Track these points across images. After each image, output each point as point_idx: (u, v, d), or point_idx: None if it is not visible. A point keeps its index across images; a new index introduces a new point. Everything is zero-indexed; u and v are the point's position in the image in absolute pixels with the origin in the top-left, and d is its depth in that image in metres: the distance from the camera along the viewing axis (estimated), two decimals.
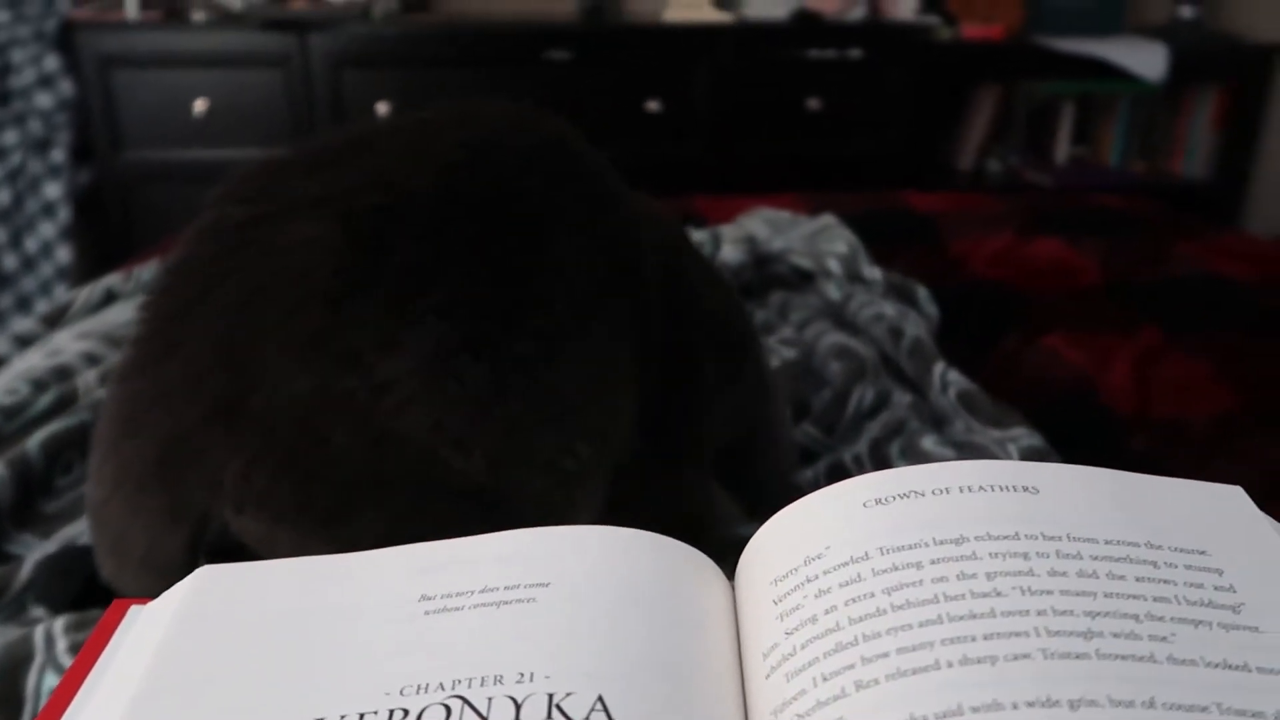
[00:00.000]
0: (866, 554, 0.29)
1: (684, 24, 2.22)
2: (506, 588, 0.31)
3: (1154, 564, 0.28)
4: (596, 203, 0.53)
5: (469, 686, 0.28)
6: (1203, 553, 0.29)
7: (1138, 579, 0.27)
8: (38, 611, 0.57)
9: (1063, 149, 2.49)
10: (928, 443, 0.75)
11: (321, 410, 0.42)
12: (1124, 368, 0.97)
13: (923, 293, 1.08)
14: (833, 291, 1.07)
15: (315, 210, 0.45)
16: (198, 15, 2.07)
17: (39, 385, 0.82)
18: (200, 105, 2.03)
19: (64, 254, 2.03)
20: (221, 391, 0.42)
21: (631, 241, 0.55)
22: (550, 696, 0.27)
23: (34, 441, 0.72)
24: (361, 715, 0.27)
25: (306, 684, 0.29)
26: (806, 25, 2.22)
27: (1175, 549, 0.29)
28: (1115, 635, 0.25)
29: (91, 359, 0.88)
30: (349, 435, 0.42)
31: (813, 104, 2.23)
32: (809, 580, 0.29)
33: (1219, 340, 1.03)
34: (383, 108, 2.08)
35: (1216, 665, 0.25)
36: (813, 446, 0.80)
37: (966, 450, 0.75)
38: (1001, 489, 0.30)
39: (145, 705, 0.28)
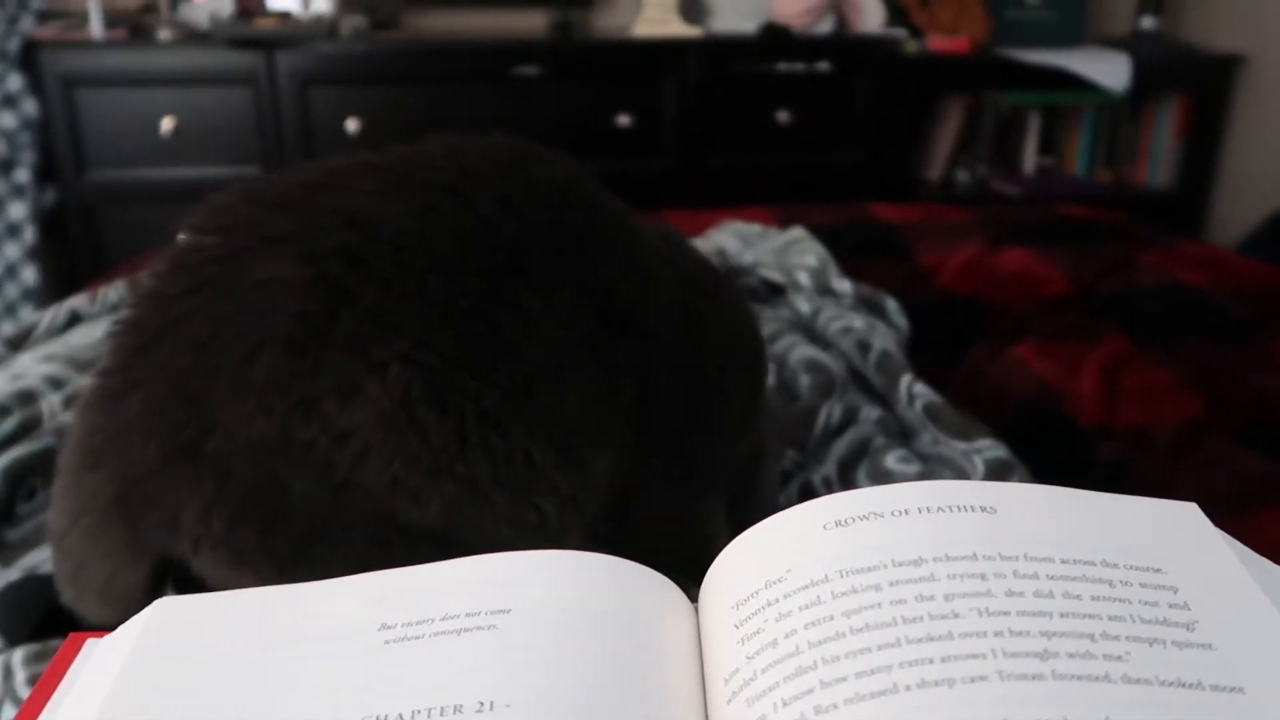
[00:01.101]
0: (826, 576, 0.29)
1: (653, 38, 2.23)
2: (468, 614, 0.31)
3: (1109, 583, 0.28)
4: (590, 247, 0.52)
5: (428, 717, 0.27)
6: (1158, 570, 0.29)
7: (1093, 598, 0.27)
8: None
9: (1030, 159, 2.52)
10: (891, 460, 0.76)
11: (280, 455, 0.42)
12: (1091, 377, 0.98)
13: (892, 304, 1.08)
14: (803, 304, 1.08)
15: (280, 248, 0.44)
16: (163, 34, 2.05)
17: (2, 409, 0.81)
18: (167, 124, 2.02)
19: (30, 275, 2.00)
20: (179, 431, 0.42)
21: (632, 287, 0.53)
22: None
23: None
24: None
25: (264, 716, 0.28)
26: (775, 39, 2.24)
27: (1131, 567, 0.29)
28: (1071, 655, 0.25)
29: (55, 382, 0.87)
30: (308, 482, 0.42)
31: (782, 117, 2.24)
32: (770, 604, 0.29)
33: (1185, 348, 1.04)
34: (351, 125, 2.07)
35: (1171, 684, 0.25)
36: (786, 466, 0.80)
37: (933, 463, 0.75)
38: (960, 509, 0.31)
39: None
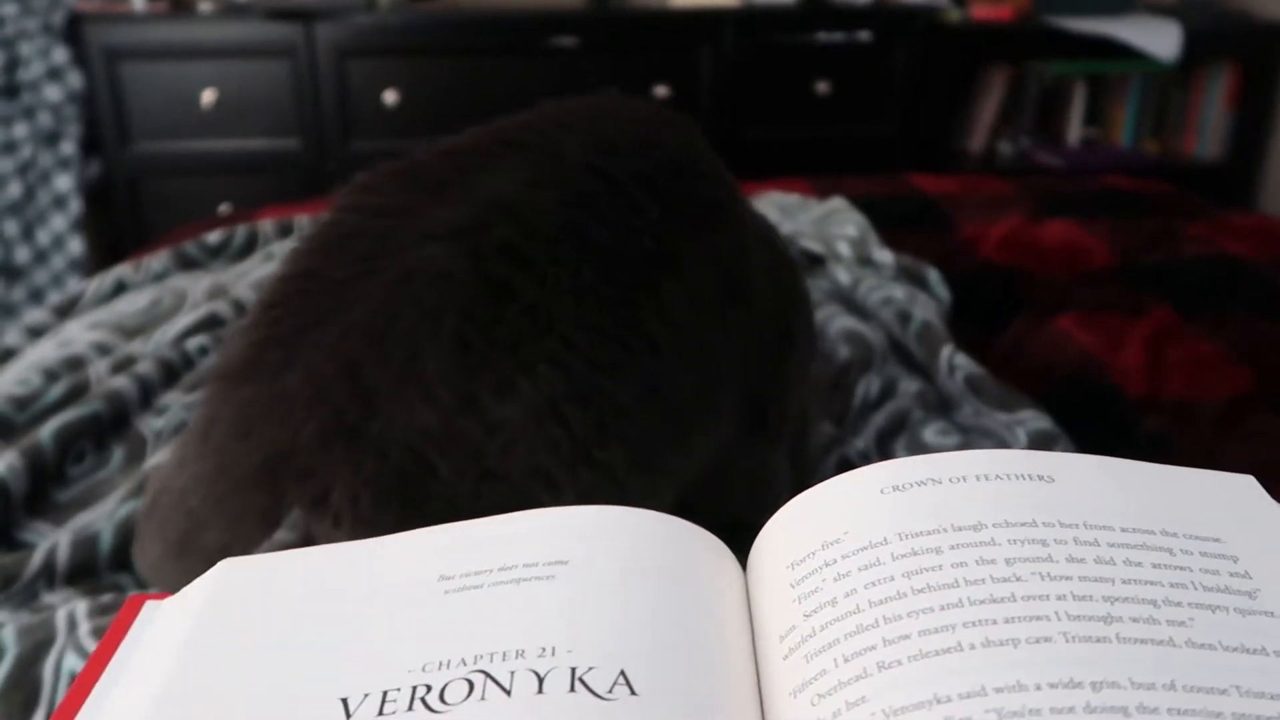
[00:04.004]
0: (885, 539, 0.29)
1: (691, 8, 2.21)
2: (525, 565, 0.31)
3: (1169, 551, 0.28)
4: (711, 223, 0.53)
5: (490, 661, 0.28)
6: (1217, 540, 0.29)
7: (1154, 565, 0.27)
8: (50, 598, 0.58)
9: (1074, 130, 2.47)
10: (930, 433, 0.75)
11: (436, 444, 0.43)
12: (1136, 349, 0.96)
13: (933, 275, 1.07)
14: (842, 275, 1.07)
15: (447, 242, 0.45)
16: (204, 6, 2.07)
17: (51, 375, 0.82)
18: (208, 97, 2.04)
19: (75, 246, 2.04)
20: (343, 412, 0.43)
21: (741, 258, 0.55)
22: (573, 670, 0.27)
23: (46, 431, 0.72)
24: (385, 693, 0.27)
25: (330, 667, 0.29)
26: (814, 8, 2.21)
27: (1190, 536, 0.29)
28: (1134, 620, 0.25)
29: (102, 349, 0.89)
30: (455, 470, 0.43)
31: (821, 88, 2.21)
32: (827, 564, 0.29)
33: (1232, 321, 1.02)
34: (390, 97, 2.08)
35: (1234, 649, 0.25)
36: (823, 440, 0.80)
37: (974, 434, 0.74)
38: (1017, 477, 0.31)
39: (173, 695, 0.29)
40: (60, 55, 1.98)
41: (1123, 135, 2.50)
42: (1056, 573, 0.27)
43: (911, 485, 0.31)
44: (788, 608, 0.29)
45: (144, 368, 0.83)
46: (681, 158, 0.53)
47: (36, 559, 0.60)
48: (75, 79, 1.99)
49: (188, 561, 0.47)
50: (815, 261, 1.14)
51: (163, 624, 0.33)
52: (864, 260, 1.11)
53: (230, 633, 0.31)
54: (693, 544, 0.33)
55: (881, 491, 0.31)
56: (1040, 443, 0.69)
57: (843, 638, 0.26)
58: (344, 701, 0.27)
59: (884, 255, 1.10)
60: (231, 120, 2.06)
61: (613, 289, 0.47)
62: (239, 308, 0.98)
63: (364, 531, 0.43)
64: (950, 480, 0.31)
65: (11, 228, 2.00)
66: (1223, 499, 0.31)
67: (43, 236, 2.03)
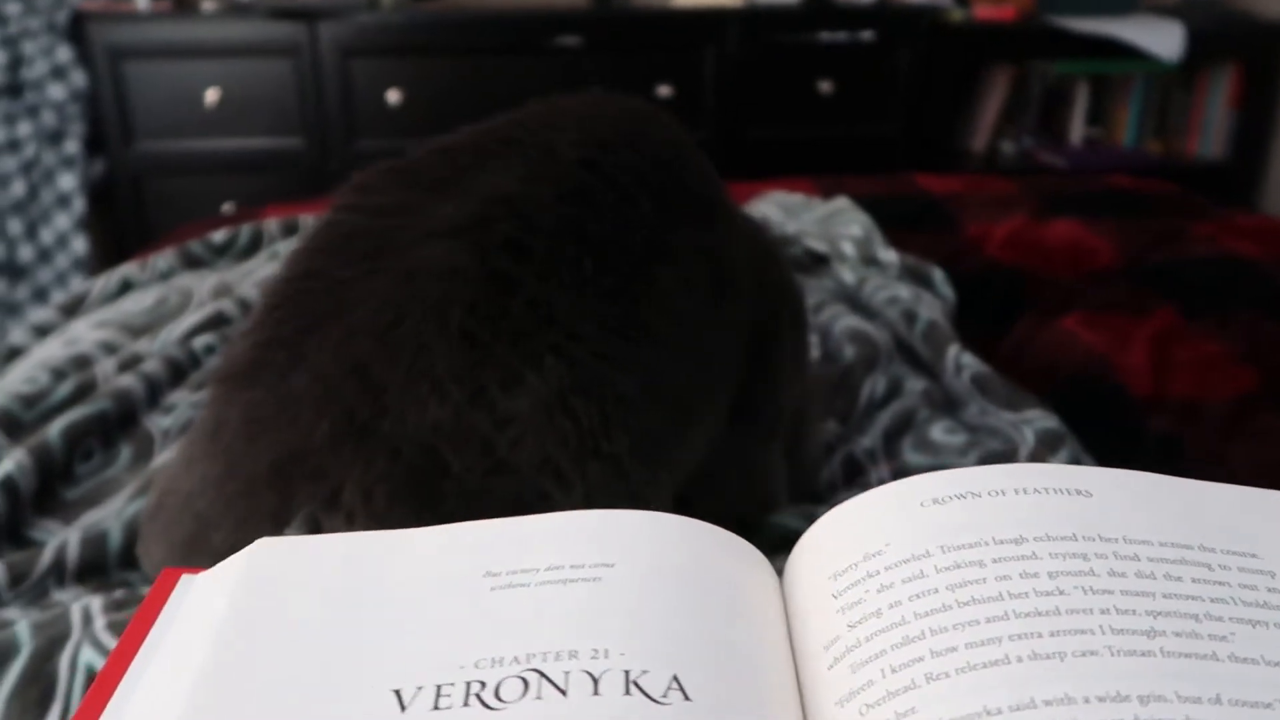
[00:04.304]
0: (928, 552, 0.29)
1: (694, 8, 2.21)
2: (572, 566, 0.31)
3: (1209, 566, 0.28)
4: (699, 216, 0.54)
5: (544, 661, 0.27)
6: (1254, 555, 0.29)
7: (1194, 580, 0.28)
8: (61, 595, 0.58)
9: (1077, 130, 2.47)
10: (937, 431, 0.75)
11: (447, 439, 0.43)
12: (1141, 349, 0.96)
13: (938, 275, 1.07)
14: (847, 274, 1.07)
15: (450, 238, 0.46)
16: (207, 5, 2.07)
17: (58, 374, 0.82)
18: (211, 96, 2.04)
19: (79, 245, 2.04)
20: (353, 411, 0.43)
21: (729, 251, 0.55)
22: (627, 674, 0.27)
23: (54, 429, 0.72)
24: (439, 688, 0.27)
25: (379, 656, 0.29)
26: (817, 8, 2.21)
27: (1227, 552, 0.29)
28: (1177, 634, 0.26)
29: (109, 348, 0.89)
30: (467, 464, 0.44)
31: (824, 87, 2.21)
32: (870, 575, 0.29)
33: (1236, 321, 1.02)
34: (393, 96, 2.08)
35: (1276, 664, 0.25)
36: (827, 439, 0.80)
37: (980, 433, 0.74)
38: (1056, 492, 0.31)
39: (215, 677, 0.28)
40: (64, 54, 1.98)
41: (1125, 135, 2.50)
42: (1099, 586, 0.27)
43: (951, 498, 0.31)
44: (831, 618, 0.29)
45: (151, 366, 0.83)
46: (668, 153, 0.54)
47: (46, 556, 0.60)
48: (79, 78, 1.99)
49: (195, 562, 0.47)
50: (820, 261, 1.14)
51: (199, 599, 0.32)
52: (869, 260, 1.11)
53: (269, 612, 0.31)
54: (733, 552, 0.33)
55: (922, 504, 0.31)
56: (1048, 442, 0.69)
57: (889, 649, 0.27)
58: (397, 694, 0.27)
59: (889, 255, 1.10)
60: (235, 119, 2.07)
61: (611, 280, 0.47)
62: (244, 306, 0.98)
63: (377, 528, 0.43)
64: (989, 494, 0.31)
65: (15, 226, 2.01)
66: (1258, 514, 0.31)
67: (46, 235, 2.03)
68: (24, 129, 1.98)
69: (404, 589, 0.31)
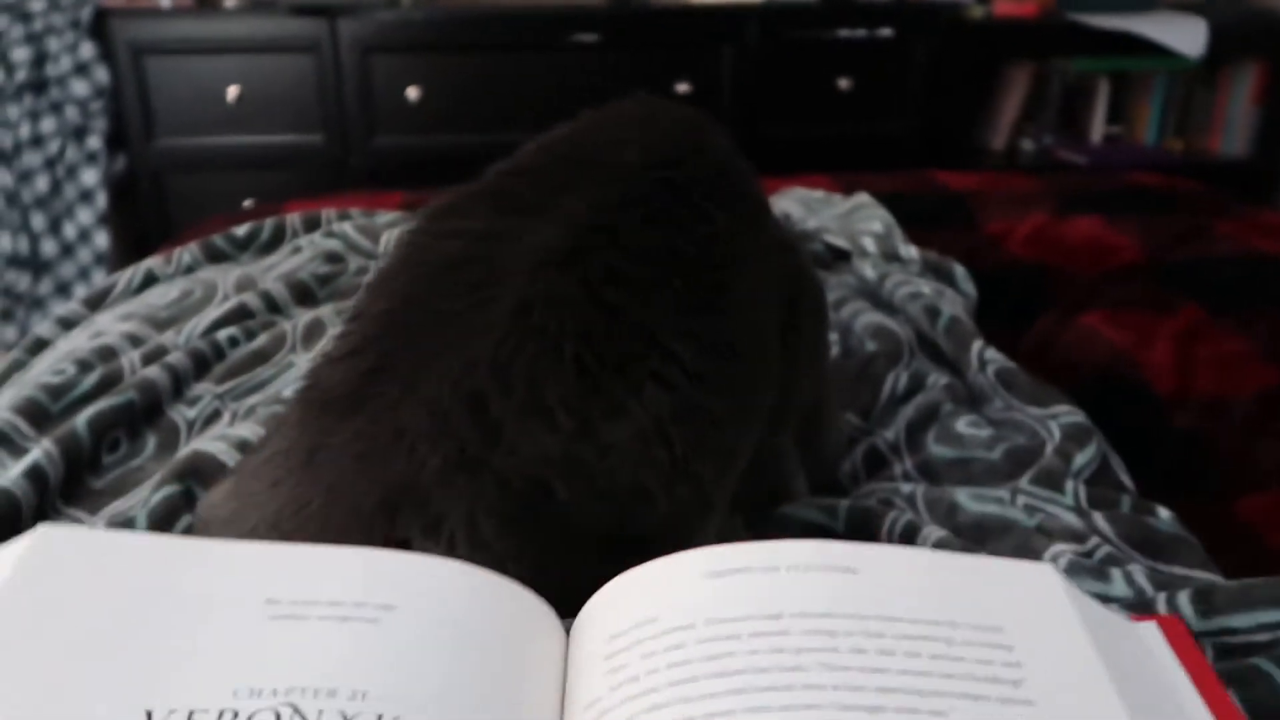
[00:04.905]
0: (693, 624, 0.32)
1: (712, 5, 2.21)
2: (355, 604, 0.32)
3: (949, 642, 0.31)
4: (758, 223, 0.56)
5: (301, 696, 0.28)
6: (998, 629, 0.32)
7: (932, 656, 0.30)
8: None
9: (1097, 128, 2.46)
10: (962, 424, 0.75)
11: (555, 469, 0.44)
12: (1165, 346, 0.96)
13: (960, 271, 1.07)
14: (868, 270, 1.06)
15: (556, 270, 0.46)
16: (229, 2, 2.08)
17: (84, 365, 0.83)
18: (232, 92, 2.05)
19: (101, 240, 2.05)
20: (465, 445, 0.43)
21: (776, 254, 0.57)
22: (379, 717, 0.28)
23: (81, 420, 0.73)
24: (191, 713, 0.27)
25: (140, 673, 0.29)
26: (836, 5, 2.20)
27: (974, 627, 0.32)
28: (898, 710, 0.28)
29: (134, 340, 0.90)
30: (572, 493, 0.44)
31: (843, 84, 2.21)
32: (638, 642, 0.32)
33: (1262, 318, 1.01)
34: (412, 93, 2.08)
35: None
36: (849, 432, 0.80)
37: (1005, 428, 0.74)
38: (824, 569, 0.34)
39: None
40: (87, 50, 1.99)
41: (1147, 133, 2.48)
42: (839, 663, 0.30)
43: (728, 572, 0.33)
44: (598, 679, 0.31)
45: (176, 358, 0.84)
46: (726, 161, 0.55)
47: None
48: (102, 74, 2.00)
49: None
50: (840, 257, 1.14)
51: None
52: (890, 256, 1.11)
53: (37, 609, 0.30)
54: (519, 607, 0.34)
55: (701, 576, 0.34)
56: (1075, 436, 0.69)
57: (639, 713, 0.29)
58: (148, 714, 0.27)
59: (910, 251, 1.10)
60: (255, 116, 2.08)
61: (699, 297, 0.49)
62: (268, 299, 0.98)
63: (481, 556, 0.44)
64: (763, 570, 0.33)
65: (39, 221, 2.02)
66: (1017, 588, 0.34)
67: (69, 230, 2.05)
68: (48, 125, 2.00)
69: (183, 604, 0.31)
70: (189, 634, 0.30)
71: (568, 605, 0.43)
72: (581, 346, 0.45)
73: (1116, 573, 0.55)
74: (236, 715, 0.28)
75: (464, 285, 0.47)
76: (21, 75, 1.97)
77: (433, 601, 0.33)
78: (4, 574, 0.32)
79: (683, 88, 2.15)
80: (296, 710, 0.28)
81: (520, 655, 0.32)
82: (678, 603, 0.33)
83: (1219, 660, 0.45)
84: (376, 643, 0.30)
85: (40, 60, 1.99)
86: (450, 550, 0.45)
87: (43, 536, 0.33)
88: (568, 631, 0.35)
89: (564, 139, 0.55)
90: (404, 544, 0.46)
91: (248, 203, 2.08)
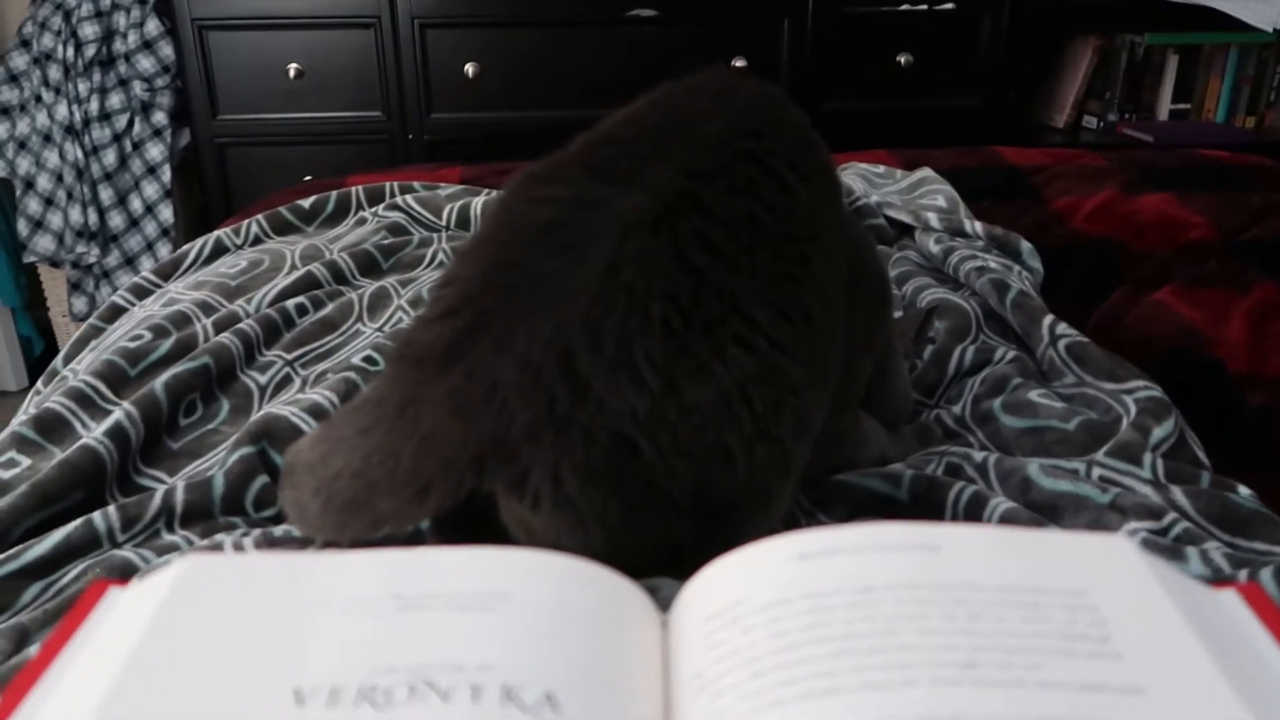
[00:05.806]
0: (788, 599, 0.34)
1: None
2: (473, 595, 0.35)
3: (1035, 605, 0.32)
4: (834, 196, 0.56)
5: (434, 671, 0.31)
6: (1082, 592, 0.33)
7: (1020, 619, 0.32)
8: (171, 537, 0.60)
9: (1165, 104, 2.40)
10: (1035, 394, 0.74)
11: (641, 427, 0.45)
12: (1239, 324, 0.93)
13: (1026, 246, 1.05)
14: (932, 245, 1.05)
15: (647, 234, 0.47)
16: None
17: (160, 331, 0.85)
18: (293, 68, 2.07)
19: (166, 213, 2.09)
20: (555, 402, 0.45)
21: (843, 227, 0.57)
22: (505, 686, 0.30)
23: (158, 384, 0.75)
24: (334, 688, 0.30)
25: (285, 662, 0.32)
26: None
27: (1057, 591, 0.33)
28: (993, 666, 0.30)
29: (207, 307, 0.92)
30: (656, 451, 0.46)
31: (903, 59, 2.17)
32: (736, 619, 0.34)
33: None
34: (470, 68, 2.09)
35: (1083, 687, 0.29)
36: (914, 407, 0.79)
37: (1076, 402, 0.73)
38: (907, 548, 0.36)
39: (130, 680, 0.31)
40: (153, 27, 2.03)
41: (1217, 109, 2.41)
42: (931, 628, 0.31)
43: (817, 554, 0.35)
44: (700, 655, 0.33)
45: (247, 325, 0.86)
46: (805, 134, 0.56)
47: (156, 502, 0.62)
48: (167, 50, 2.03)
49: (352, 524, 0.48)
50: (904, 232, 1.13)
51: (122, 611, 0.36)
52: (955, 231, 1.09)
53: (190, 625, 0.34)
54: (619, 592, 0.37)
55: (789, 559, 0.36)
56: (1153, 411, 0.67)
57: (743, 680, 0.31)
58: (296, 692, 0.30)
59: (974, 226, 1.08)
60: (315, 91, 2.10)
61: (781, 267, 0.50)
62: (334, 270, 1.00)
63: (565, 512, 0.46)
64: (850, 550, 0.35)
65: (107, 195, 2.07)
66: (1096, 557, 0.36)
67: (135, 204, 2.09)
68: (115, 100, 2.04)
69: (317, 604, 0.35)
70: (326, 628, 0.34)
71: (649, 566, 0.44)
72: (668, 308, 0.46)
73: (1192, 551, 0.54)
74: (375, 689, 0.30)
75: (556, 248, 0.47)
76: (90, 51, 2.01)
77: (544, 589, 0.36)
78: (161, 593, 0.35)
79: (740, 63, 2.14)
80: (430, 684, 0.30)
81: (622, 634, 0.35)
82: (771, 582, 0.35)
83: None
84: (496, 625, 0.34)
85: (108, 36, 2.03)
86: (534, 506, 0.46)
87: (189, 562, 0.37)
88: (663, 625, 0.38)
89: (646, 110, 0.55)
90: (489, 497, 0.47)
91: (307, 178, 2.10)
